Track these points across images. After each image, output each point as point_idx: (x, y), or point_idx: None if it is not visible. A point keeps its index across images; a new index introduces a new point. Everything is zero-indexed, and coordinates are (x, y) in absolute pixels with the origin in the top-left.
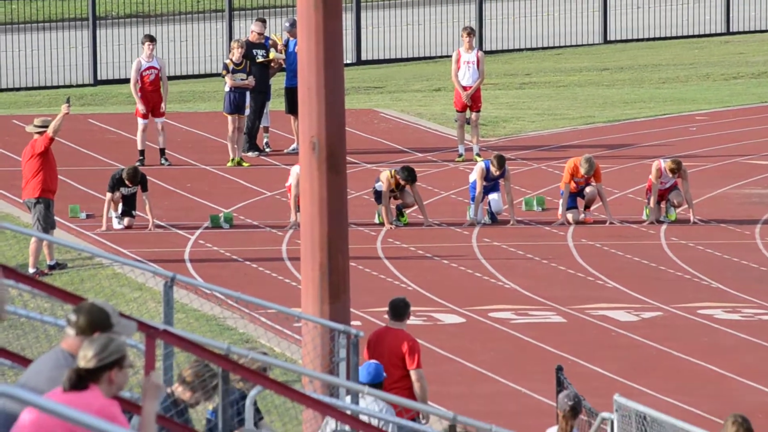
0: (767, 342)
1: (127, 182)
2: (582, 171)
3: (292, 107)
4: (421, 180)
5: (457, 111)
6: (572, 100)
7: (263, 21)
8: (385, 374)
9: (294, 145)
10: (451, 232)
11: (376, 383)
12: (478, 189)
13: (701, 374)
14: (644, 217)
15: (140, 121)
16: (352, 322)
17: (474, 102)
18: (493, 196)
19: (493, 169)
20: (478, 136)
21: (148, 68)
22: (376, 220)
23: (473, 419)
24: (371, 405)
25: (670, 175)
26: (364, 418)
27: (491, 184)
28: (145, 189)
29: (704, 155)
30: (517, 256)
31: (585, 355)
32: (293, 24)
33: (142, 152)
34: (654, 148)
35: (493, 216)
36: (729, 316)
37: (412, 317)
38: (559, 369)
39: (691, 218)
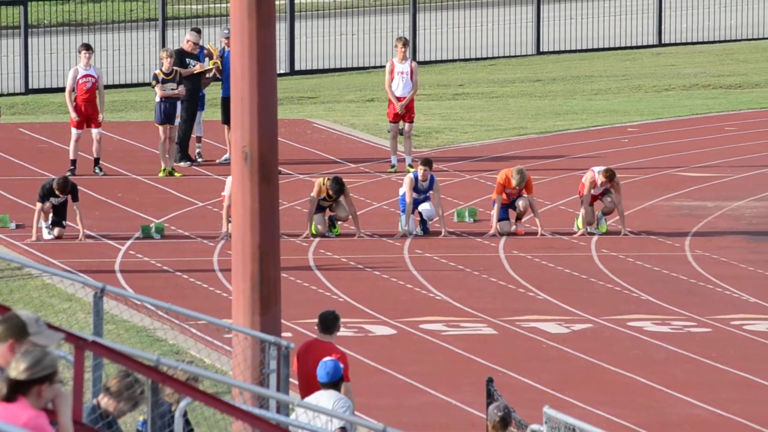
0: (696, 354)
1: (57, 192)
2: (513, 182)
3: (226, 117)
4: (354, 191)
5: (390, 122)
6: (505, 111)
7: (198, 31)
8: (341, 371)
9: (226, 155)
10: (383, 243)
11: (335, 380)
12: (408, 200)
13: (631, 386)
14: (575, 228)
15: (74, 131)
16: (283, 334)
17: (407, 112)
18: (424, 206)
19: (420, 173)
20: (411, 146)
21: (85, 76)
22: (312, 231)
23: (405, 431)
24: (302, 417)
25: (605, 185)
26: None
27: (421, 197)
28: (75, 199)
29: (635, 167)
30: (449, 267)
31: (515, 367)
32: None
33: (73, 162)
34: (586, 159)
35: (425, 226)
36: (658, 329)
37: (342, 328)
38: (490, 381)
39: (622, 230)
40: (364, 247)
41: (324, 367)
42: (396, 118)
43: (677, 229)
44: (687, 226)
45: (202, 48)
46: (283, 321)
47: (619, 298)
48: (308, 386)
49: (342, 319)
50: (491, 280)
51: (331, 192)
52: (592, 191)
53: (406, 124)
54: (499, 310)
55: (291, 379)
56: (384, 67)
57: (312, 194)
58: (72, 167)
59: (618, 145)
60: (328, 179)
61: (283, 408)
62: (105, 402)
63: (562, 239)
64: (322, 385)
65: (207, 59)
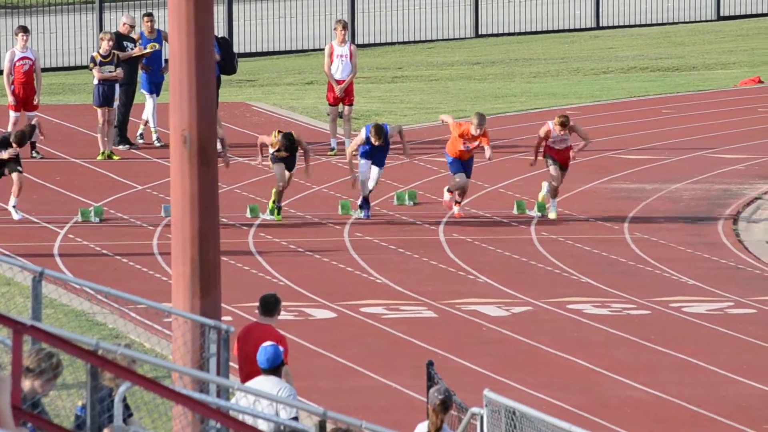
0: (635, 337)
1: (12, 144)
2: (472, 127)
3: None
4: (295, 174)
5: (330, 105)
6: (444, 94)
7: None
8: (281, 355)
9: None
10: (323, 226)
11: (276, 366)
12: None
13: (570, 369)
14: (514, 212)
15: (12, 114)
16: (223, 318)
17: (346, 95)
18: (374, 171)
19: (373, 139)
20: (350, 129)
21: (22, 59)
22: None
23: (344, 415)
24: (242, 401)
25: (561, 133)
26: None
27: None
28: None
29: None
30: (389, 250)
31: (455, 350)
32: None
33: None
34: (525, 141)
35: (367, 205)
36: (598, 311)
37: (283, 312)
38: (430, 364)
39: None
40: (304, 231)
41: (264, 353)
42: (335, 101)
43: (616, 212)
44: (626, 208)
45: (159, 32)
46: (223, 305)
47: (559, 281)
48: (248, 370)
49: (282, 303)
50: (431, 263)
51: (283, 149)
52: (551, 141)
53: (346, 107)
54: (439, 293)
55: (231, 363)
56: (323, 50)
57: (264, 142)
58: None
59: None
60: (279, 132)
61: (224, 392)
62: (28, 384)
63: (501, 222)
64: (263, 371)
65: (165, 42)
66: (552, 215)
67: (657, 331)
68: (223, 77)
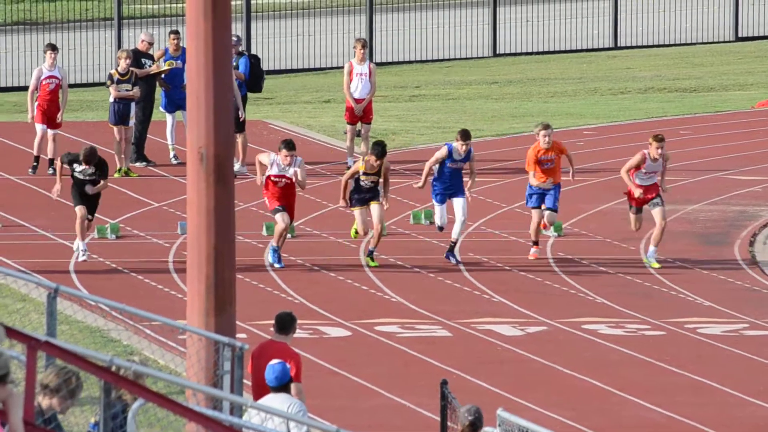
0: (650, 357)
1: (81, 161)
2: (540, 139)
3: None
4: (310, 192)
5: (348, 123)
6: (461, 113)
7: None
8: (289, 372)
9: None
10: (338, 244)
11: (284, 383)
12: (427, 169)
13: (585, 389)
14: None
15: (38, 127)
16: (238, 335)
17: (365, 114)
18: (457, 203)
19: (458, 145)
20: (368, 148)
21: (49, 77)
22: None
23: None
24: (255, 418)
25: (658, 157)
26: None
27: (458, 165)
28: (104, 176)
29: (591, 170)
30: (405, 269)
31: (470, 370)
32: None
33: (36, 159)
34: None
35: (452, 250)
36: (613, 331)
37: (298, 330)
38: (444, 383)
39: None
40: (319, 249)
41: (272, 371)
42: (354, 119)
43: (632, 233)
44: (643, 229)
45: (183, 50)
46: (238, 322)
47: (574, 301)
48: (262, 387)
49: (297, 321)
50: (446, 282)
51: (373, 160)
52: (643, 169)
53: (364, 126)
54: (454, 312)
55: (245, 381)
56: (341, 68)
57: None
58: (35, 164)
59: (574, 148)
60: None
61: (237, 410)
62: (46, 401)
63: (518, 242)
64: (272, 389)
65: (173, 60)
66: (655, 265)
67: (672, 352)
68: (249, 95)
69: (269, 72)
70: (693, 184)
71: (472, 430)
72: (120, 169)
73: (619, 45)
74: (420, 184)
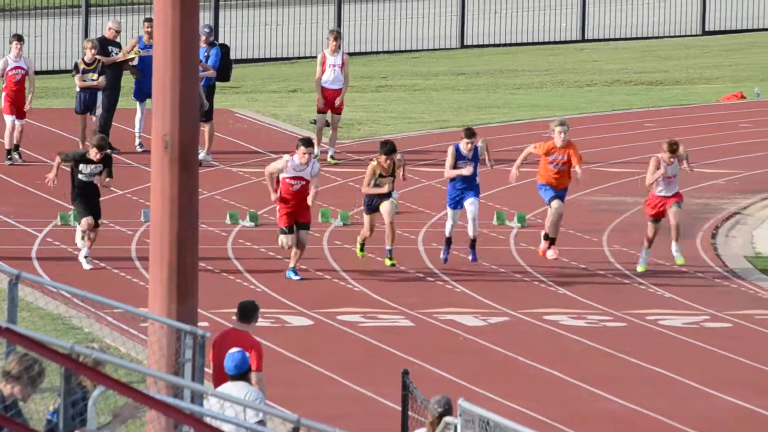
0: (611, 349)
1: (92, 153)
2: (556, 137)
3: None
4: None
5: (320, 113)
6: (428, 103)
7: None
8: (248, 361)
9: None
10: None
11: (243, 372)
12: (449, 174)
13: (546, 380)
14: (494, 222)
15: (7, 119)
16: (200, 323)
17: (335, 105)
18: (469, 204)
19: (463, 144)
20: (336, 138)
21: (15, 68)
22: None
23: (318, 422)
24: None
25: (669, 161)
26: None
27: (467, 164)
28: (109, 174)
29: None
30: (367, 259)
31: (431, 359)
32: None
33: (9, 151)
34: (508, 153)
35: (473, 252)
36: (575, 323)
37: (260, 319)
38: (405, 373)
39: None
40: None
41: (231, 359)
42: (325, 109)
43: (596, 224)
44: (606, 221)
45: (140, 38)
46: (200, 310)
47: (537, 292)
48: (223, 376)
49: (260, 310)
50: (410, 272)
51: (384, 161)
52: (661, 172)
53: (334, 116)
54: (416, 303)
55: (206, 369)
56: (309, 57)
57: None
58: (9, 156)
59: (539, 140)
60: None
61: (198, 398)
62: (7, 388)
63: (482, 232)
64: (231, 377)
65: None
66: (680, 261)
67: (633, 343)
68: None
69: (237, 61)
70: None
71: (440, 421)
72: None
73: (586, 38)
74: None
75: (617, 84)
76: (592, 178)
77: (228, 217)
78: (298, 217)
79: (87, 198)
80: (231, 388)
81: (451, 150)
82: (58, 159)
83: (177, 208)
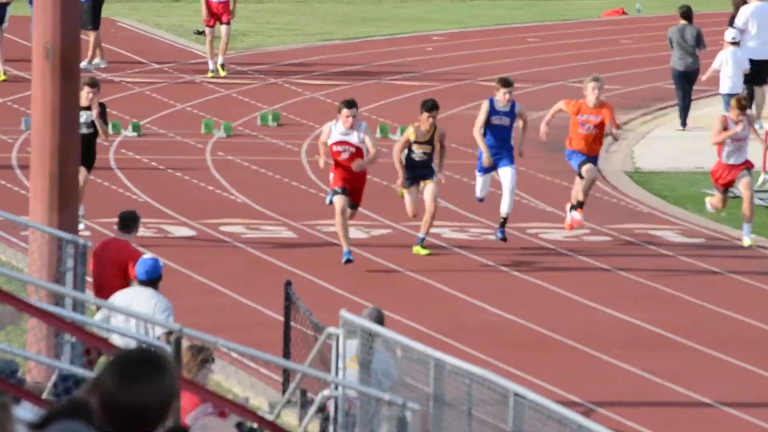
0: (492, 261)
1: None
2: (589, 94)
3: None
4: (158, 92)
5: (208, 26)
6: (311, 15)
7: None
8: (161, 269)
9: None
10: (185, 144)
11: (153, 278)
12: (480, 137)
13: (428, 292)
14: (379, 134)
15: None
16: (81, 233)
17: (222, 14)
18: (504, 172)
19: (501, 94)
20: (226, 48)
21: None
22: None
23: (200, 332)
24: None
25: (741, 119)
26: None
27: (503, 121)
28: (105, 121)
29: (439, 76)
30: (251, 171)
31: (314, 271)
32: None
33: None
34: (390, 66)
35: (502, 230)
36: (456, 235)
37: (142, 228)
38: (288, 284)
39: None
40: (166, 148)
41: (144, 265)
42: (212, 21)
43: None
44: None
45: None
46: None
47: (419, 206)
48: (103, 285)
49: (142, 220)
50: (293, 184)
51: (426, 119)
52: (730, 133)
53: (223, 27)
54: (300, 214)
55: (87, 278)
56: None
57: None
58: None
59: (423, 53)
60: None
61: (79, 306)
62: None
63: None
64: (140, 282)
65: None
66: (747, 242)
67: (514, 256)
68: None
69: None
70: (539, 92)
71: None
72: None
73: None
74: (485, 157)
75: None
76: (476, 93)
77: (110, 126)
78: (352, 193)
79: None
80: (138, 292)
81: (485, 104)
82: None
83: (58, 117)
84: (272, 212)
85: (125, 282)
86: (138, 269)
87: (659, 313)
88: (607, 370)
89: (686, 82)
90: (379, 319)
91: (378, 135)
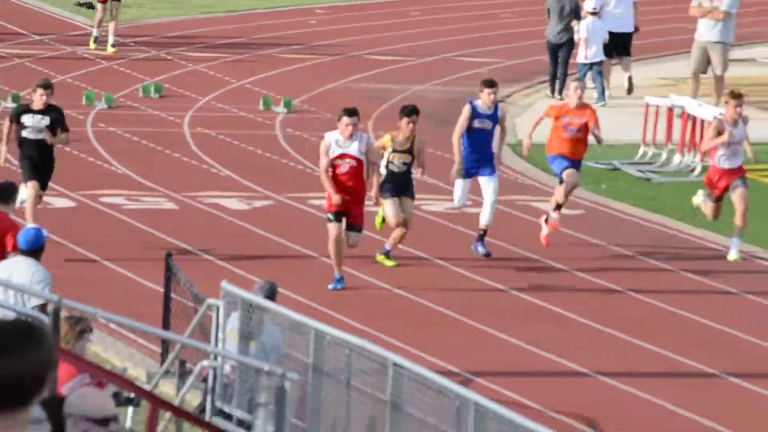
0: (378, 234)
1: (38, 95)
2: (571, 95)
3: None
4: (39, 63)
5: (101, 3)
6: None
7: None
8: (43, 239)
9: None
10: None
11: (34, 248)
12: (457, 142)
13: (308, 262)
14: (260, 107)
15: None
16: None
17: None
18: (486, 182)
19: (484, 94)
20: (117, 23)
21: None
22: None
23: (79, 303)
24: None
25: (737, 117)
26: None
27: (485, 125)
28: (64, 128)
29: (322, 50)
30: (132, 142)
31: (195, 242)
32: None
33: None
34: (273, 39)
35: (482, 242)
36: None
37: None
38: (169, 255)
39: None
40: None
41: (25, 234)
42: None
43: (362, 110)
44: (370, 108)
45: None
46: None
47: (300, 176)
48: None
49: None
50: (174, 156)
51: (406, 124)
52: (727, 141)
53: (113, 2)
54: (180, 186)
55: None
56: None
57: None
58: None
59: (306, 26)
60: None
61: None
62: None
63: (246, 117)
64: (21, 251)
65: None
66: (733, 256)
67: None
68: None
69: None
70: (421, 65)
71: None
72: None
73: None
74: (456, 167)
75: None
76: (358, 66)
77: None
78: (348, 213)
79: (33, 157)
80: (18, 262)
81: (466, 109)
82: (6, 123)
83: None
84: (153, 183)
85: (2, 254)
86: (19, 238)
87: (537, 284)
88: (485, 341)
89: (558, 51)
90: (272, 293)
91: (261, 107)
